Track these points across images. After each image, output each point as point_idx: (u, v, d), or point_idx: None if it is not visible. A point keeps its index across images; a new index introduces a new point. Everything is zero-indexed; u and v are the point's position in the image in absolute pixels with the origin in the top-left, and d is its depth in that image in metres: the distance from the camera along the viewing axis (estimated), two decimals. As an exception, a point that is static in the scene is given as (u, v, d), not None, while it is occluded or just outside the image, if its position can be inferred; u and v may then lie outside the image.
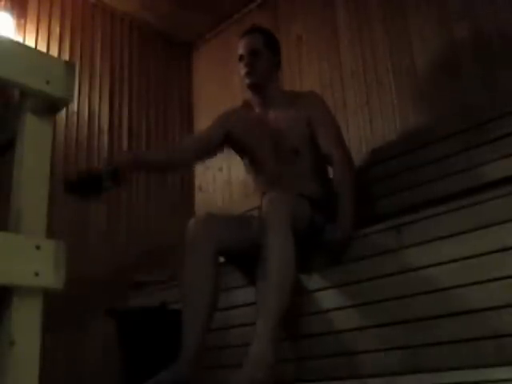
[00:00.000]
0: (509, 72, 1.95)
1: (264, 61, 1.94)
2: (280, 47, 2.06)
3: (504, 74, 1.96)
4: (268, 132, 1.92)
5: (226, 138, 1.99)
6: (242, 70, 1.94)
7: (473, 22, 2.08)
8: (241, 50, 1.96)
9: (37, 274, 0.75)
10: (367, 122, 2.37)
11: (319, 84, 2.58)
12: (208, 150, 2.01)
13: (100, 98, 2.81)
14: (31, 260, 0.75)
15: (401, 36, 2.32)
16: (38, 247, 0.76)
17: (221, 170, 3.00)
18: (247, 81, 1.93)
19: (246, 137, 1.96)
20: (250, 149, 1.96)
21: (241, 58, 1.95)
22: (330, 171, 1.93)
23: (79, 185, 1.69)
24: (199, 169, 3.15)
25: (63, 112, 2.59)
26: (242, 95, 2.97)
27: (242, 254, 1.79)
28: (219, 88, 3.12)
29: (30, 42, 2.57)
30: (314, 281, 1.66)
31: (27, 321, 0.75)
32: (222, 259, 1.81)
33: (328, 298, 1.62)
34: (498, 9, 2.02)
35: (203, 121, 3.21)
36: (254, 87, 1.95)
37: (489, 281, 1.30)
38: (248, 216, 1.94)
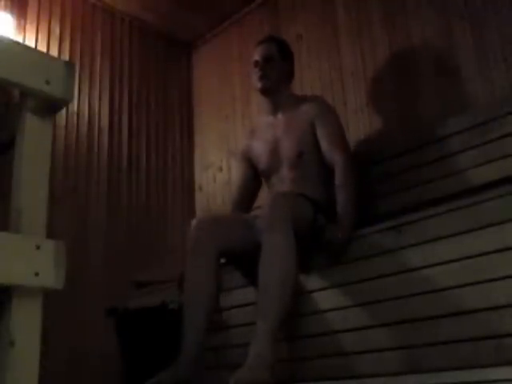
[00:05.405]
0: (509, 72, 1.94)
1: (277, 68, 2.02)
2: (294, 59, 2.13)
3: (504, 75, 1.96)
4: (274, 137, 1.98)
5: (254, 167, 2.07)
6: (256, 75, 2.01)
7: (473, 21, 2.08)
8: (256, 56, 2.04)
9: (37, 274, 0.75)
10: (367, 122, 2.37)
11: (319, 84, 2.58)
12: (252, 192, 2.11)
13: (100, 98, 2.81)
14: (31, 260, 0.75)
15: (401, 36, 2.32)
16: (38, 247, 0.76)
17: (221, 170, 3.00)
18: (259, 84, 2.00)
19: (258, 157, 2.04)
20: (259, 160, 2.03)
21: (256, 63, 2.03)
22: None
23: None
24: (199, 169, 3.16)
25: (63, 112, 2.59)
26: (241, 95, 2.98)
27: (244, 254, 1.79)
28: (219, 88, 3.12)
29: (30, 42, 2.56)
30: (313, 281, 1.66)
31: (27, 321, 0.75)
32: (222, 260, 1.81)
33: (327, 298, 1.61)
34: (498, 9, 2.02)
35: (203, 120, 3.22)
36: (266, 91, 2.02)
37: (489, 281, 1.30)
38: (250, 216, 1.94)
